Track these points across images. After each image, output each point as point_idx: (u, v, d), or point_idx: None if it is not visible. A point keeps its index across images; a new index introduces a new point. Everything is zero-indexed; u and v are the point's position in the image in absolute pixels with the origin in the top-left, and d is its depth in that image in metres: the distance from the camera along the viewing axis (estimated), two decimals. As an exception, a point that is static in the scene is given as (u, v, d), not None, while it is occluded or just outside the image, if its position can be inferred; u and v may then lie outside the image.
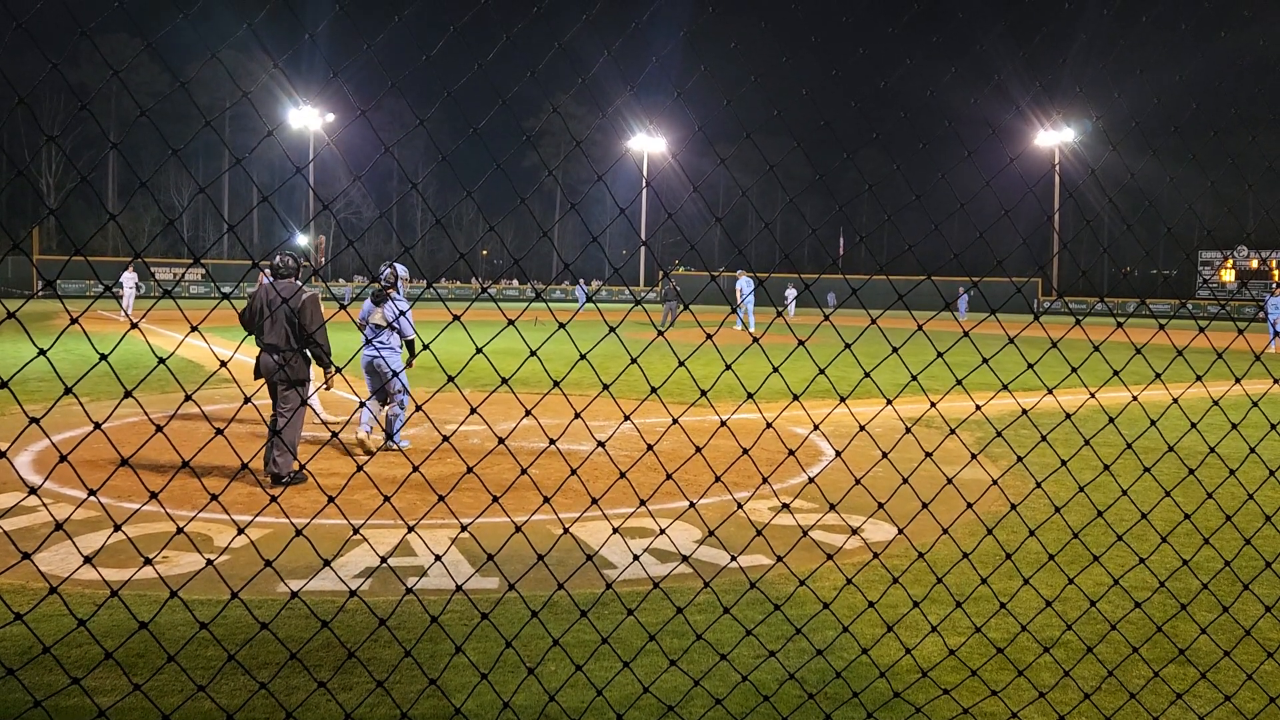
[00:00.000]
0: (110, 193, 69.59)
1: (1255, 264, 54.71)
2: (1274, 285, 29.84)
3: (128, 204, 64.08)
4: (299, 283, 7.59)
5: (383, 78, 2.76)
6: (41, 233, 60.91)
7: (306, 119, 56.28)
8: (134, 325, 2.24)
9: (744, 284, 30.81)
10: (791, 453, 3.17)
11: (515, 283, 71.56)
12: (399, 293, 8.78)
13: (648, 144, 65.84)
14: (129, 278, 28.72)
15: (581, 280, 54.29)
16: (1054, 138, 55.72)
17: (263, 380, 7.41)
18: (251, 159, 68.84)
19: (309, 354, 7.44)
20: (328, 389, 4.21)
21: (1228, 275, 57.03)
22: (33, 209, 68.34)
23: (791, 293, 43.42)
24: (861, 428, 3.17)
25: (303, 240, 47.85)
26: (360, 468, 2.32)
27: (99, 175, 71.26)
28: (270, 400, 7.69)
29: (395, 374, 8.38)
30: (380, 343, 8.52)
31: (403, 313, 3.90)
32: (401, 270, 8.84)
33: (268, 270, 7.89)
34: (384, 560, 2.84)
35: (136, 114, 2.47)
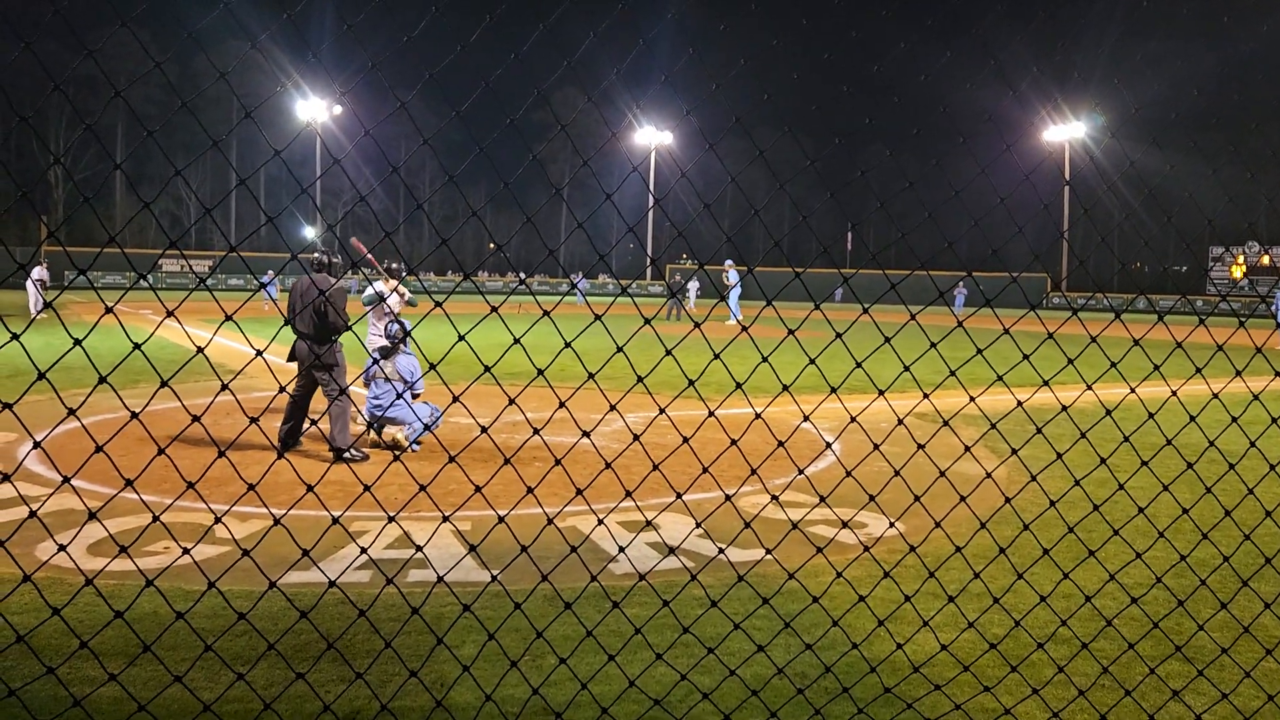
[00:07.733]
0: (118, 186, 69.71)
1: (1266, 260, 54.17)
2: None
3: (133, 171, 63.82)
4: (332, 278, 8.16)
5: (390, 74, 2.73)
6: (51, 225, 61.11)
7: (314, 110, 56.05)
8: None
9: (733, 275, 30.16)
10: (781, 444, 3.12)
11: (522, 275, 71.03)
12: (399, 287, 9.14)
13: (655, 137, 65.69)
14: (38, 272, 28.70)
15: (580, 274, 52.54)
16: (1064, 132, 55.35)
17: (297, 364, 7.96)
18: (259, 154, 68.81)
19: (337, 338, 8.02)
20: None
21: (1239, 271, 56.55)
22: (43, 204, 68.51)
23: (694, 285, 40.21)
24: (853, 419, 3.12)
25: (311, 233, 47.90)
26: (397, 456, 2.28)
27: (107, 167, 71.33)
28: (297, 388, 8.18)
29: (399, 349, 8.45)
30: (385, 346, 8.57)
31: (401, 322, 3.88)
32: (384, 289, 9.11)
33: (314, 259, 8.48)
34: (420, 549, 2.80)
35: (145, 105, 2.44)
